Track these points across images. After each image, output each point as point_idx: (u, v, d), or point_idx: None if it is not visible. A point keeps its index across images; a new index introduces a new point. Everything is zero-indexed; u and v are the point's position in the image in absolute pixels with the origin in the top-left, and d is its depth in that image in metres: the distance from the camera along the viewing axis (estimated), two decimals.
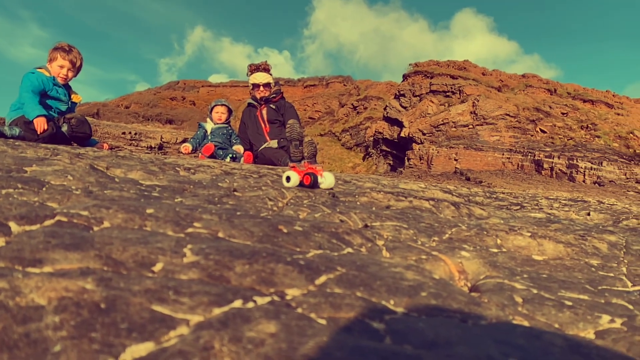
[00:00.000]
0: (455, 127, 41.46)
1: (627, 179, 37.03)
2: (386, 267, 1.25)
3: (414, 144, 41.73)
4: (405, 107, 45.97)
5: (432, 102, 43.98)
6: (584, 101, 50.24)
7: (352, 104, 64.61)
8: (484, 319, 0.98)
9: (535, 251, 2.06)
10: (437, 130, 41.76)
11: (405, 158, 41.35)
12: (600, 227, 3.29)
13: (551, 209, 5.94)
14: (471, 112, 42.06)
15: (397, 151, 46.89)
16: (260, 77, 6.91)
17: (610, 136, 43.51)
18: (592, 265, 2.00)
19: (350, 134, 57.80)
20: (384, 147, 48.71)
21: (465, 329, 0.88)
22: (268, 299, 0.82)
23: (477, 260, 1.62)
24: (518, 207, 5.46)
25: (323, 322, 0.77)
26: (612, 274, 1.90)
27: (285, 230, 1.33)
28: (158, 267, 0.87)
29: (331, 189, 2.68)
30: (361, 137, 55.31)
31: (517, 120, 42.42)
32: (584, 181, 35.83)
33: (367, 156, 52.06)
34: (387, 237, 1.80)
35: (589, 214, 6.10)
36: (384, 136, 47.77)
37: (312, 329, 0.71)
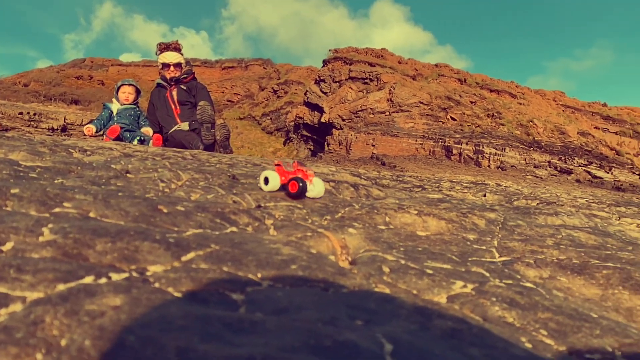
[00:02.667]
0: (373, 113, 42.64)
1: (527, 164, 40.32)
2: (265, 244, 1.28)
3: (333, 130, 42.42)
4: (325, 93, 46.50)
5: (351, 88, 44.84)
6: (491, 91, 53.65)
7: (273, 88, 64.19)
8: (345, 288, 1.04)
9: (419, 227, 2.21)
10: (356, 117, 42.72)
11: (325, 143, 41.96)
12: (486, 206, 3.57)
13: (450, 190, 6.33)
14: (388, 100, 43.46)
15: (317, 136, 47.42)
16: (170, 57, 6.65)
17: (513, 124, 46.89)
18: (468, 240, 2.17)
19: (271, 119, 57.51)
20: (304, 132, 49.04)
21: (323, 296, 0.93)
22: (125, 275, 0.82)
23: (361, 236, 1.70)
24: (420, 189, 5.77)
25: (179, 295, 0.79)
26: (484, 247, 2.08)
27: (165, 211, 1.32)
28: (8, 246, 0.84)
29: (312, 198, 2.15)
30: (282, 122, 55.24)
31: (430, 108, 44.45)
32: (488, 166, 38.50)
33: (288, 141, 52.15)
34: (278, 216, 1.83)
35: (485, 195, 6.58)
36: (305, 121, 48.07)
37: (163, 302, 0.73)
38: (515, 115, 47.98)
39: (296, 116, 49.21)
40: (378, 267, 1.29)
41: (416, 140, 41.04)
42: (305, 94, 49.82)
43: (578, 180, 36.64)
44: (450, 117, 44.89)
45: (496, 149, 40.28)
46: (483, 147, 40.18)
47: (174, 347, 0.56)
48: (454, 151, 40.17)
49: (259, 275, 1.01)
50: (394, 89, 43.38)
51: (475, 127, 44.50)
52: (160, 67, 6.76)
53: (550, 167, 39.98)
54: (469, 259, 1.71)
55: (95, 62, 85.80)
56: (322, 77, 47.83)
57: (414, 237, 2.01)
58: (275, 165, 2.22)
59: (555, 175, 38.20)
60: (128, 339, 0.56)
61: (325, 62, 49.87)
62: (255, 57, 79.64)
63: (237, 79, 71.70)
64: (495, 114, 46.80)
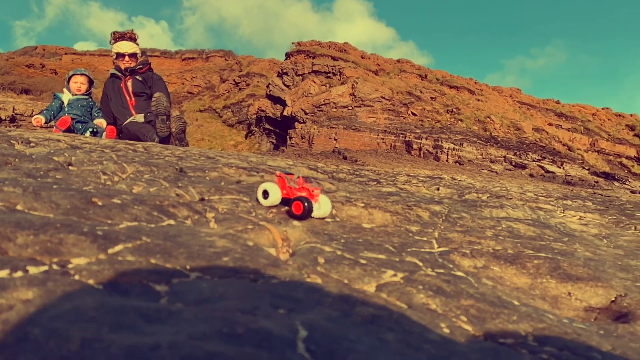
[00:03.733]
0: (335, 107, 42.80)
1: (483, 158, 41.50)
2: (201, 237, 1.29)
3: (296, 123, 42.34)
4: (288, 86, 46.30)
5: (314, 82, 44.83)
6: (450, 87, 54.75)
7: (234, 80, 63.34)
8: (276, 279, 1.06)
9: (365, 220, 2.25)
10: (319, 110, 42.78)
11: (288, 137, 41.84)
12: (435, 199, 3.67)
13: (405, 184, 6.46)
14: (350, 94, 43.70)
15: (280, 130, 47.22)
16: (125, 46, 6.48)
17: (471, 120, 48.05)
18: (410, 231, 2.24)
19: (232, 111, 56.80)
20: (266, 126, 48.72)
21: (250, 287, 0.95)
22: (44, 268, 0.81)
23: (304, 228, 1.73)
24: (375, 182, 5.86)
25: (99, 287, 0.79)
26: (425, 238, 2.15)
27: (100, 203, 1.30)
28: None
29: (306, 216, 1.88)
30: (243, 115, 54.65)
31: (391, 103, 45.00)
32: (447, 160, 39.41)
33: (250, 134, 51.68)
34: (221, 209, 1.83)
35: (438, 189, 6.74)
36: (267, 114, 47.75)
37: (80, 294, 0.73)
38: (474, 111, 49.19)
39: (258, 109, 48.81)
40: (314, 258, 1.32)
41: (378, 135, 41.51)
42: (267, 86, 49.47)
43: (531, 175, 38.03)
44: (411, 112, 45.59)
45: (454, 144, 41.24)
46: (442, 142, 41.05)
47: (79, 338, 0.56)
48: (414, 146, 40.88)
49: (188, 267, 1.02)
50: (357, 83, 43.67)
51: (435, 122, 45.37)
52: (114, 57, 6.59)
53: (505, 162, 41.29)
54: (407, 250, 1.77)
55: (48, 50, 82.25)
56: (285, 70, 47.59)
57: (358, 229, 2.06)
58: (277, 176, 2.02)
59: (510, 170, 39.50)
60: (32, 332, 0.56)
61: (288, 55, 49.63)
62: (216, 49, 78.25)
63: (197, 70, 70.35)
64: (454, 109, 47.84)
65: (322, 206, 1.96)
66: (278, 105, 46.61)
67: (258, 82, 60.45)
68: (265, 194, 1.95)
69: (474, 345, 0.93)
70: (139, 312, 0.69)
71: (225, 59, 74.54)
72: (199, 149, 5.69)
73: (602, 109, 64.93)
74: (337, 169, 6.95)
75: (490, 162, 40.99)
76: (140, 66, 6.71)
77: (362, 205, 2.35)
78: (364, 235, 1.90)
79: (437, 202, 3.16)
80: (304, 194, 1.95)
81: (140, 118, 6.41)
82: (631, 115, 62.45)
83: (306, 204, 1.86)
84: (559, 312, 1.68)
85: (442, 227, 2.46)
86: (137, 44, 6.81)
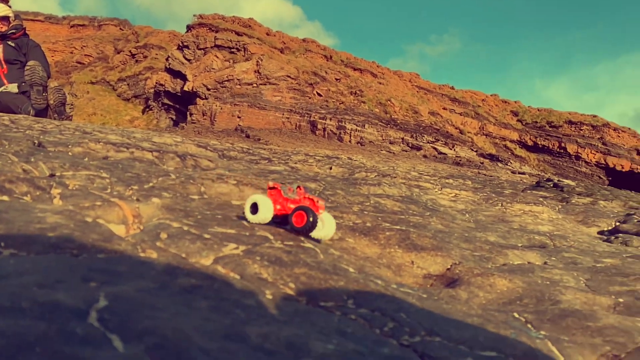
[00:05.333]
0: (239, 84, 41.96)
1: (383, 140, 43.30)
2: (33, 213, 1.23)
3: (198, 99, 40.91)
4: (189, 60, 44.41)
5: (217, 57, 43.49)
6: (354, 69, 56.03)
7: (130, 51, 59.40)
8: (103, 254, 1.05)
9: (235, 197, 2.28)
10: (222, 87, 41.67)
11: (188, 113, 40.36)
12: (317, 177, 3.79)
13: (297, 163, 6.58)
14: (255, 71, 43.06)
15: (180, 105, 45.34)
16: None
17: (373, 102, 49.67)
18: None
19: (128, 84, 53.40)
20: (166, 101, 46.50)
21: (66, 262, 0.94)
22: None
23: (159, 205, 1.71)
24: (266, 161, 5.90)
25: None
26: None
27: None
28: None
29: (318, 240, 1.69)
30: (140, 88, 51.64)
31: (297, 83, 45.09)
32: (349, 141, 40.58)
33: (148, 109, 49.04)
34: (73, 186, 1.75)
35: (331, 168, 6.94)
36: (166, 89, 45.53)
37: None
38: (376, 94, 50.85)
39: (157, 83, 46.40)
40: (156, 234, 1.32)
41: (283, 114, 41.52)
42: (167, 59, 47.06)
43: (425, 156, 40.45)
44: (317, 92, 46.07)
45: (357, 126, 42.51)
46: (346, 123, 42.11)
47: None
48: (319, 126, 41.51)
49: (3, 244, 0.97)
50: (262, 60, 43.11)
51: (340, 103, 46.29)
52: None
53: (403, 144, 43.46)
54: (269, 224, 1.82)
55: None
56: (185, 43, 45.55)
57: (225, 205, 2.07)
58: (269, 188, 1.73)
59: (407, 151, 41.68)
60: None
61: (189, 28, 47.50)
62: (110, 17, 72.56)
63: (88, 39, 64.80)
64: (357, 91, 49.09)
65: (325, 224, 1.71)
66: (178, 79, 44.65)
67: (157, 54, 57.28)
68: (254, 208, 1.66)
69: (288, 309, 1.00)
70: None
71: (121, 29, 69.46)
72: (78, 124, 5.31)
73: (491, 95, 70.28)
74: (231, 147, 6.88)
75: (389, 143, 42.89)
76: (14, 31, 6.13)
77: (234, 182, 2.37)
78: (229, 212, 1.92)
79: (315, 180, 3.27)
80: (307, 204, 1.70)
81: (13, 88, 5.86)
82: (515, 102, 68.32)
83: (311, 217, 1.61)
84: (400, 279, 1.85)
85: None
86: (10, 6, 6.21)
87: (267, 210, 1.63)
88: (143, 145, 3.62)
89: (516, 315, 1.43)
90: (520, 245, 2.86)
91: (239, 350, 0.75)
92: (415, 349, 0.96)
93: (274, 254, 1.35)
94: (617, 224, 6.41)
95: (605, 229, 6.14)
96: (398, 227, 2.28)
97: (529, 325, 1.37)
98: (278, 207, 1.68)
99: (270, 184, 1.72)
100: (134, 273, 0.95)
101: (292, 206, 1.67)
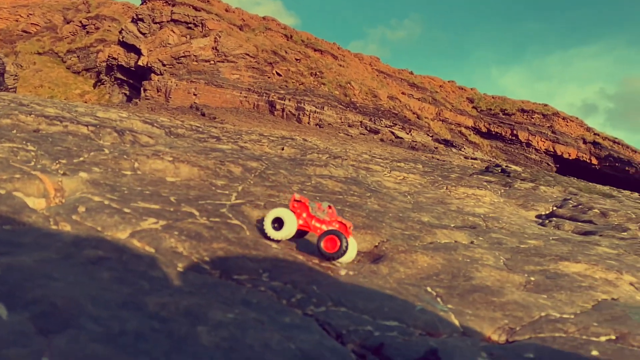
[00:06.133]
0: (196, 61, 40.86)
1: (342, 122, 43.40)
2: None
3: (152, 75, 39.59)
4: (144, 34, 42.78)
5: (174, 32, 42.09)
6: (315, 50, 55.54)
7: (81, 22, 56.56)
8: (9, 226, 1.04)
9: (170, 173, 2.26)
10: (178, 63, 40.47)
11: (142, 89, 39.03)
12: (262, 157, 3.80)
13: (248, 142, 6.54)
14: (213, 48, 41.99)
15: (134, 81, 43.76)
16: None
17: (333, 84, 49.52)
18: (214, 185, 2.31)
19: (78, 57, 50.93)
20: (119, 75, 44.72)
21: None
22: None
23: (84, 180, 1.68)
24: (215, 139, 5.83)
25: None
26: (227, 192, 2.23)
27: None
28: None
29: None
30: (92, 61, 49.39)
31: (256, 61, 44.32)
32: (308, 123, 40.46)
33: (99, 83, 47.06)
34: None
35: (283, 149, 6.94)
36: (120, 63, 43.76)
37: None
38: (336, 76, 50.72)
39: (109, 56, 44.50)
40: (74, 208, 1.30)
41: (241, 93, 40.84)
42: (120, 32, 45.15)
43: (382, 140, 40.91)
44: (276, 72, 45.48)
45: (316, 107, 42.38)
46: (305, 105, 41.89)
47: None
48: (278, 106, 41.11)
49: None
50: (220, 37, 42.06)
51: (299, 84, 45.92)
52: None
53: (361, 127, 43.72)
54: (199, 202, 1.82)
55: None
56: (140, 16, 43.80)
57: (158, 182, 2.05)
58: (294, 201, 1.59)
59: (364, 134, 42.00)
60: None
61: (144, 0, 45.68)
62: None
63: (35, 7, 61.13)
64: (317, 73, 48.80)
65: (349, 250, 1.60)
66: (132, 53, 42.99)
67: (109, 26, 54.81)
68: (278, 223, 1.51)
69: (197, 281, 1.02)
70: None
71: None
72: (15, 95, 5.07)
73: (448, 81, 71.47)
74: (180, 125, 6.75)
75: (348, 126, 43.06)
76: None
77: (170, 159, 2.34)
78: (161, 188, 1.91)
79: (258, 159, 3.28)
80: (337, 227, 1.59)
81: None
82: (471, 89, 69.80)
83: (344, 243, 1.50)
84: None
85: (251, 182, 2.57)
86: None
87: (292, 227, 1.52)
88: (83, 119, 3.51)
89: (429, 289, 1.51)
90: (453, 225, 2.98)
91: (131, 317, 0.77)
92: (317, 318, 1.00)
93: (195, 229, 1.36)
94: (554, 208, 6.76)
95: (543, 212, 6.46)
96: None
97: (439, 299, 1.45)
98: (300, 221, 1.59)
99: (297, 196, 1.60)
100: (39, 245, 0.94)
101: (318, 225, 1.58)
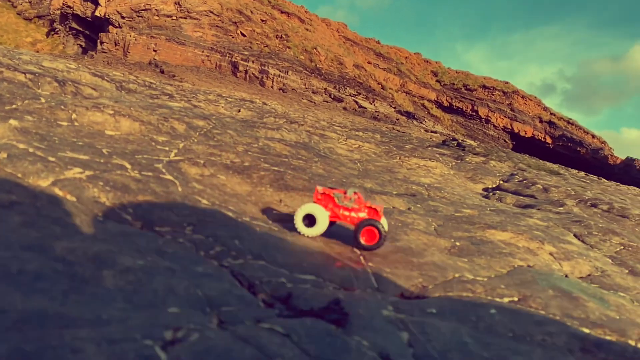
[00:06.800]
0: (158, 15, 39.12)
1: (306, 88, 42.96)
2: None
3: (110, 27, 37.68)
4: None
5: None
6: (282, 12, 54.15)
7: None
8: None
9: (110, 127, 2.21)
10: (138, 16, 38.63)
11: (99, 41, 37.20)
12: (211, 117, 3.75)
13: (202, 102, 6.42)
14: (176, 3, 40.26)
15: (90, 32, 41.56)
16: None
17: (298, 49, 48.67)
18: (155, 141, 2.28)
19: (30, 2, 47.74)
20: (74, 25, 42.29)
21: None
22: None
23: (12, 126, 1.63)
24: (167, 97, 5.70)
25: None
26: (167, 148, 2.21)
27: None
28: None
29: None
30: (45, 8, 46.43)
31: (220, 20, 42.88)
32: (272, 87, 39.82)
33: (53, 32, 44.45)
34: None
35: (239, 111, 6.85)
36: (75, 12, 41.33)
37: None
38: (302, 40, 49.82)
39: (63, 4, 41.97)
40: None
41: (203, 52, 39.59)
42: None
43: (345, 108, 40.86)
44: (241, 32, 44.23)
45: (280, 71, 41.70)
46: (269, 68, 41.12)
47: None
48: (241, 68, 40.20)
49: None
50: None
51: (264, 46, 44.90)
52: None
53: (325, 94, 43.46)
54: (135, 156, 1.81)
55: None
56: None
57: (95, 134, 2.01)
58: (320, 194, 1.53)
59: (328, 102, 41.81)
60: None
61: None
62: None
63: None
64: (283, 36, 47.78)
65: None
66: (89, 3, 40.69)
67: None
68: (309, 220, 1.50)
69: (114, 230, 1.03)
70: None
71: None
72: None
73: (414, 53, 71.50)
74: (134, 80, 6.53)
75: (312, 92, 42.70)
76: None
77: (111, 112, 2.29)
78: (97, 141, 1.88)
79: (205, 118, 3.24)
80: (361, 214, 1.56)
81: None
82: (436, 62, 70.18)
83: (382, 234, 1.49)
84: (264, 215, 1.93)
85: (195, 140, 2.55)
86: None
87: (324, 222, 1.51)
88: (24, 67, 3.35)
89: (356, 250, 1.57)
90: (395, 193, 3.07)
91: (34, 259, 0.78)
92: (232, 269, 1.03)
93: (122, 181, 1.36)
94: (501, 182, 7.02)
95: (490, 186, 6.70)
96: (276, 168, 2.36)
97: (362, 258, 1.52)
98: (329, 213, 1.58)
99: (320, 189, 1.57)
100: None
101: (347, 214, 1.57)
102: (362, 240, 1.49)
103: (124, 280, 0.79)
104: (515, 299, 1.31)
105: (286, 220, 1.81)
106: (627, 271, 2.40)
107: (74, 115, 2.01)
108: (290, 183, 2.03)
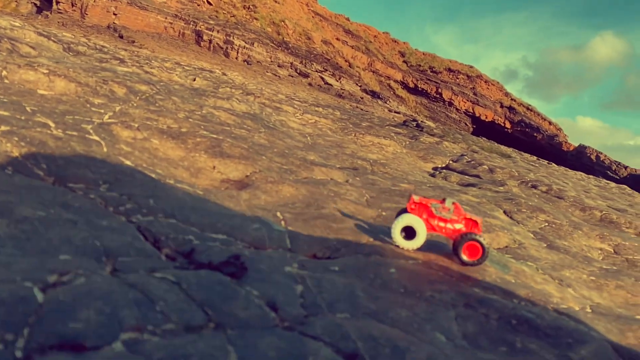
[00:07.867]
0: None
1: (271, 62, 42.35)
2: None
3: None
4: None
5: None
6: None
7: None
8: None
9: (43, 86, 2.17)
10: None
11: (54, 1, 35.37)
12: (158, 84, 3.69)
13: (156, 69, 6.27)
14: None
15: None
16: None
17: (266, 21, 47.72)
18: (90, 103, 2.25)
19: None
20: None
21: None
22: None
23: None
24: (118, 61, 5.54)
25: None
26: (102, 111, 2.19)
27: None
28: None
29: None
30: None
31: None
32: (236, 58, 39.06)
33: None
34: None
35: (194, 80, 6.72)
36: None
37: None
38: (270, 12, 48.85)
39: None
40: None
41: (166, 18, 38.29)
42: None
43: (310, 84, 40.65)
44: (207, 0, 42.96)
45: (246, 43, 40.88)
46: (234, 39, 40.23)
47: None
48: (205, 37, 39.17)
49: None
50: None
51: (231, 16, 43.81)
52: None
53: (291, 69, 43.01)
54: (65, 116, 1.79)
55: None
56: None
57: (26, 93, 1.97)
58: (414, 203, 1.43)
59: (293, 77, 41.43)
60: None
61: None
62: None
63: None
64: (251, 6, 46.70)
65: (419, 234, 1.51)
66: None
67: None
68: (409, 232, 1.45)
69: (22, 183, 1.04)
70: None
71: None
72: None
73: (383, 33, 71.33)
74: (84, 42, 6.30)
75: (278, 66, 42.16)
76: None
77: (46, 71, 2.24)
78: (26, 99, 1.84)
79: (149, 84, 3.20)
80: (458, 225, 1.49)
81: None
82: (404, 43, 70.27)
83: (485, 247, 1.46)
84: (195, 180, 1.96)
85: (134, 104, 2.53)
86: None
87: (424, 235, 1.48)
88: None
89: (278, 214, 1.63)
90: (338, 166, 3.14)
91: None
92: (139, 225, 1.07)
93: (40, 138, 1.36)
94: (450, 162, 7.23)
95: (439, 165, 6.90)
96: (215, 136, 2.37)
97: (282, 222, 1.58)
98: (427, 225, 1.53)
99: (416, 198, 1.48)
100: None
101: (443, 225, 1.50)
102: (464, 256, 1.47)
103: (18, 229, 0.81)
104: (420, 261, 1.40)
105: (223, 188, 1.84)
106: (545, 245, 2.56)
107: (4, 73, 1.97)
108: (226, 150, 2.06)
